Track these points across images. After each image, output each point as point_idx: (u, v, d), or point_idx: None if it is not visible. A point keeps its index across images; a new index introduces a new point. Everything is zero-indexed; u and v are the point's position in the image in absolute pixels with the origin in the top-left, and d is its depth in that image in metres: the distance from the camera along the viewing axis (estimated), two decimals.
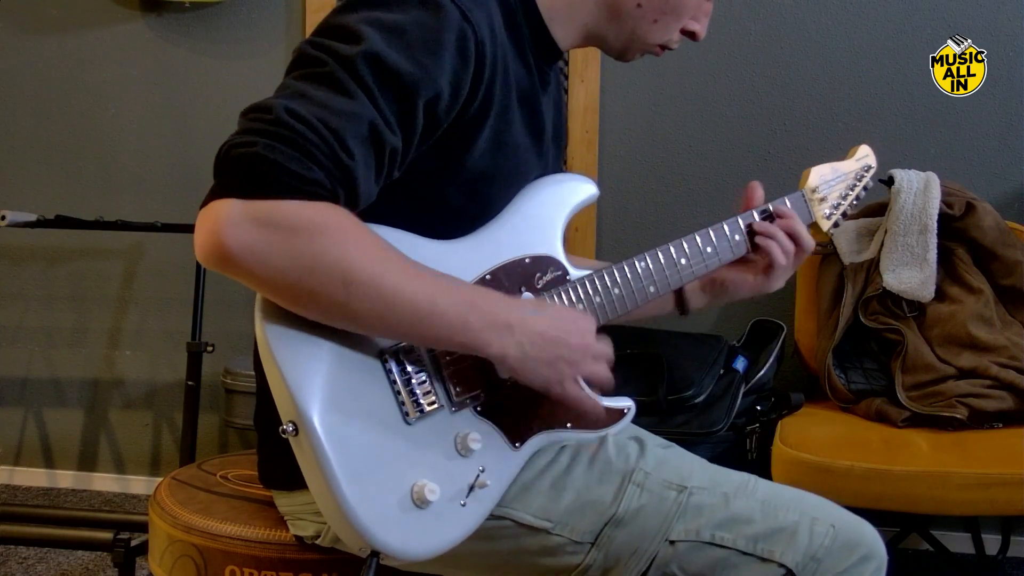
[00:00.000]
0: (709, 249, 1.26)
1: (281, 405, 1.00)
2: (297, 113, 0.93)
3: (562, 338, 1.04)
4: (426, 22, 0.99)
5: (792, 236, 1.28)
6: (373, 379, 1.02)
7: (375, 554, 1.01)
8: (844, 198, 1.39)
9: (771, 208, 1.30)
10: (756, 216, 1.29)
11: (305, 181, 0.92)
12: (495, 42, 1.06)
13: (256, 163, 0.91)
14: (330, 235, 0.93)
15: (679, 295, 1.36)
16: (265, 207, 0.91)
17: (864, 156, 1.42)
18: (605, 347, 1.09)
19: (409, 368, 1.04)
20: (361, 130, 0.95)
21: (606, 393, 1.15)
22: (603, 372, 1.09)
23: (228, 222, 0.91)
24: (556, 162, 1.30)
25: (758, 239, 1.28)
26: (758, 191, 1.32)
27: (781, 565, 1.08)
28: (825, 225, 1.38)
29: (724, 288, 1.34)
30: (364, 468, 0.99)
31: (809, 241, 1.30)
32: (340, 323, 0.98)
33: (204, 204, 0.93)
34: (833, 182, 1.38)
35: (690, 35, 1.23)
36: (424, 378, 1.05)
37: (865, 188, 1.42)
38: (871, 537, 1.12)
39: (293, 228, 0.91)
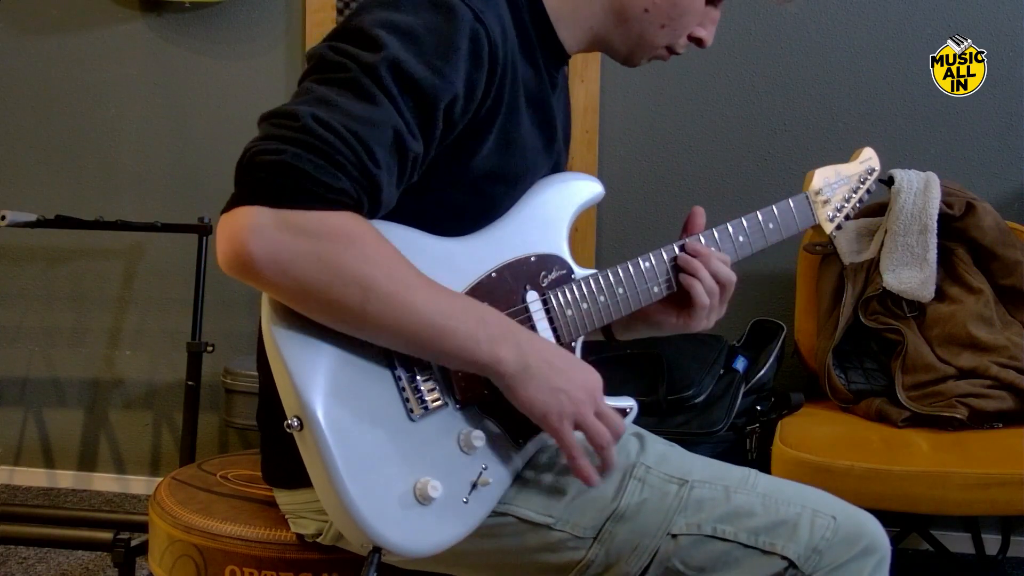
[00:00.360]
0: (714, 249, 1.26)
1: (286, 400, 1.00)
2: (324, 121, 0.93)
3: (569, 372, 1.05)
4: (440, 25, 1.00)
5: (714, 275, 1.21)
6: (378, 376, 1.03)
7: (377, 550, 1.01)
8: (847, 200, 1.39)
9: (686, 244, 1.22)
10: (676, 250, 1.22)
11: (332, 190, 0.92)
12: (506, 42, 1.06)
13: (284, 171, 0.91)
14: (355, 246, 0.93)
15: (606, 330, 1.33)
16: (292, 215, 0.91)
17: (868, 159, 1.42)
18: (615, 416, 1.08)
19: (414, 365, 1.04)
20: (386, 138, 0.96)
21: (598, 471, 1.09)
22: (602, 432, 1.06)
23: (253, 229, 0.91)
24: (565, 165, 1.30)
25: (681, 277, 1.21)
26: (699, 218, 1.25)
27: (783, 558, 1.08)
28: (828, 228, 1.38)
29: (649, 325, 1.29)
30: (367, 464, 0.99)
31: (730, 278, 1.22)
32: (354, 332, 0.99)
33: (226, 210, 0.93)
34: (836, 184, 1.38)
35: (697, 41, 1.23)
36: (429, 375, 1.05)
37: (869, 191, 1.42)
38: (873, 530, 1.13)
39: (318, 237, 0.92)
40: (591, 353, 1.20)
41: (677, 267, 1.22)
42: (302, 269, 0.92)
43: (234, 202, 0.93)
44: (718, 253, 1.22)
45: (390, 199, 1.00)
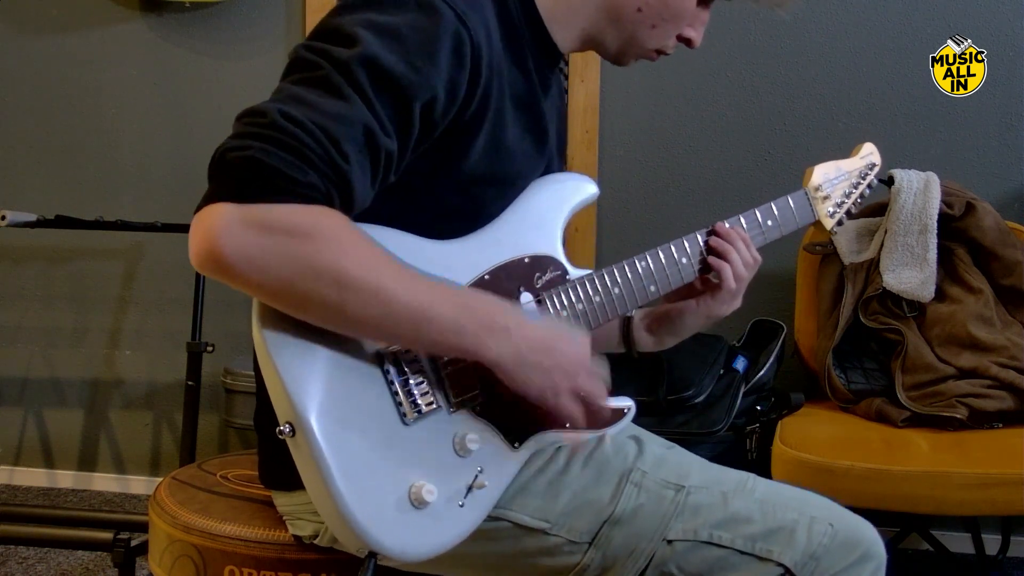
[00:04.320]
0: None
1: (278, 406, 0.99)
2: (292, 116, 0.92)
3: (558, 347, 1.04)
4: (422, 25, 0.99)
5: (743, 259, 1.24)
6: (371, 380, 1.02)
7: (373, 555, 1.01)
8: (848, 196, 1.38)
9: (716, 227, 1.26)
10: (674, 249, 1.24)
11: (300, 184, 0.91)
12: (491, 45, 1.06)
13: (251, 167, 0.91)
14: (324, 239, 0.92)
15: (627, 336, 1.34)
16: (260, 211, 0.91)
17: (868, 154, 1.41)
18: (601, 367, 1.09)
19: (407, 369, 1.04)
20: (356, 134, 0.95)
21: (597, 413, 1.13)
22: (598, 388, 1.08)
23: (222, 226, 0.90)
24: (560, 168, 1.30)
25: (711, 259, 1.24)
26: None
27: (779, 564, 1.08)
28: (829, 224, 1.37)
29: (671, 322, 1.31)
30: (361, 469, 0.98)
31: (756, 258, 1.26)
32: (336, 327, 0.98)
33: (198, 209, 0.93)
34: (836, 180, 1.37)
35: (686, 42, 1.23)
36: (422, 379, 1.05)
37: (869, 186, 1.41)
38: (870, 537, 1.12)
39: (287, 232, 0.91)
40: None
41: (698, 256, 1.24)
42: (272, 265, 0.91)
43: (205, 201, 0.92)
44: (743, 233, 1.25)
45: (363, 197, 0.98)
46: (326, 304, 0.94)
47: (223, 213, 0.91)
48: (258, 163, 0.90)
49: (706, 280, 1.26)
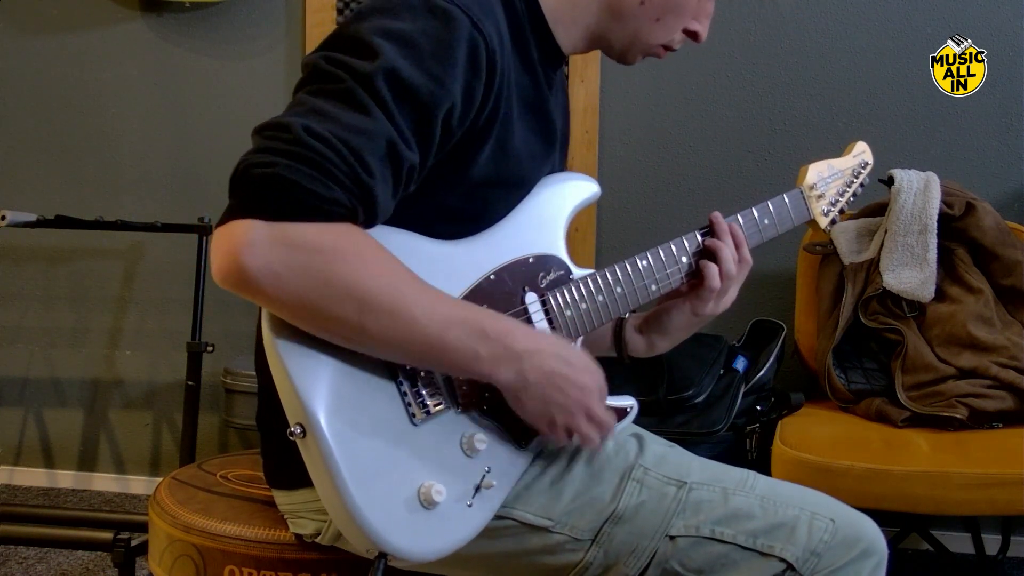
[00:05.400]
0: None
1: (289, 408, 1.00)
2: (316, 132, 0.92)
3: (566, 386, 1.05)
4: (438, 32, 0.99)
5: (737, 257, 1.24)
6: (380, 381, 1.03)
7: (383, 556, 1.01)
8: (842, 195, 1.39)
9: (712, 219, 1.26)
10: (673, 247, 1.24)
11: (325, 201, 0.92)
12: (503, 50, 1.06)
13: (277, 184, 0.91)
14: (349, 259, 0.93)
15: (619, 338, 1.34)
16: (286, 228, 0.91)
17: (861, 152, 1.42)
18: (607, 417, 1.09)
19: (416, 370, 1.04)
20: (379, 148, 0.95)
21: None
22: (592, 436, 1.08)
23: (248, 243, 0.90)
24: (562, 167, 1.30)
25: (701, 263, 1.24)
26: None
27: (781, 560, 1.08)
28: (823, 222, 1.38)
29: (659, 319, 1.30)
30: (371, 470, 0.99)
31: (731, 268, 1.24)
32: (354, 346, 0.99)
33: (221, 223, 0.93)
34: (830, 179, 1.38)
35: (692, 35, 1.23)
36: (430, 379, 1.05)
37: (862, 185, 1.42)
38: (871, 532, 1.13)
39: (314, 250, 0.92)
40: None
41: (696, 253, 1.23)
42: (297, 283, 0.92)
43: (229, 215, 0.92)
44: (738, 232, 1.24)
45: (386, 209, 0.99)
46: (346, 324, 0.95)
47: (249, 229, 0.91)
48: (284, 180, 0.91)
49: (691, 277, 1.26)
